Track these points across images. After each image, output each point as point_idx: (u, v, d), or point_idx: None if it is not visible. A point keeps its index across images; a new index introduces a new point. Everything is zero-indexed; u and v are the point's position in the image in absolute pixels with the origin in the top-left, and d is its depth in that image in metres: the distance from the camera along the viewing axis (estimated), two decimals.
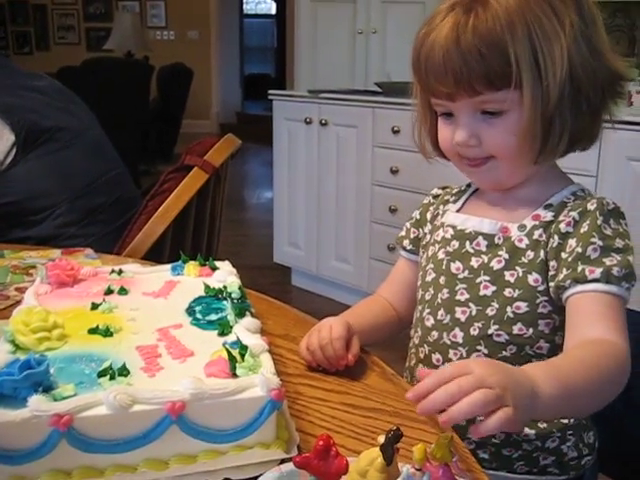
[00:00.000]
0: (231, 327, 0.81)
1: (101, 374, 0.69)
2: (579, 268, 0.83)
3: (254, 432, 0.68)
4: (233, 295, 0.89)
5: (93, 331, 0.80)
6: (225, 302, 0.88)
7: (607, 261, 0.83)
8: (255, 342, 0.76)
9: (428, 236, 1.03)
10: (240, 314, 0.83)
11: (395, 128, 2.87)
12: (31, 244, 1.57)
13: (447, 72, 0.85)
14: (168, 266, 1.03)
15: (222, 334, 0.80)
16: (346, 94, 3.21)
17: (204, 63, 8.87)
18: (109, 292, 0.93)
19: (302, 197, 3.42)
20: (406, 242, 1.08)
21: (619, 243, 0.85)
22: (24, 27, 9.43)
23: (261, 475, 0.65)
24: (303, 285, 3.53)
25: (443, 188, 1.08)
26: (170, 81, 6.62)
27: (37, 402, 0.63)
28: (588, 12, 0.86)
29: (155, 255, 1.53)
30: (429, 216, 1.06)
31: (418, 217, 1.08)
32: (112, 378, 0.69)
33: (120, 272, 1.00)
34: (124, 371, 0.70)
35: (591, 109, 0.87)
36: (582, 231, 0.85)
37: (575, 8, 0.85)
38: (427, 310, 0.98)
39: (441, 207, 1.04)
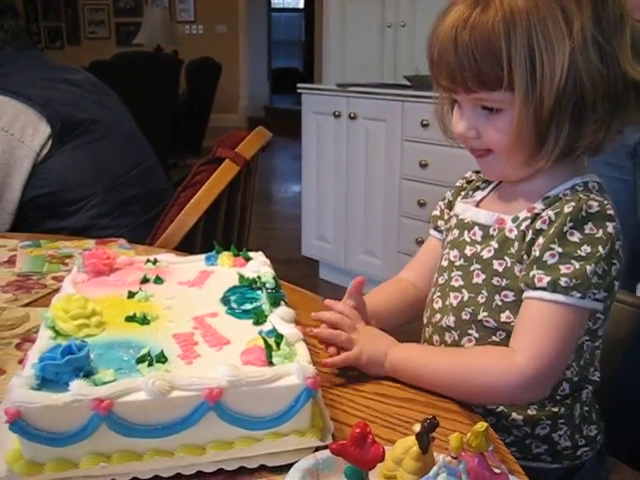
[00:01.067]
0: (266, 316, 0.82)
1: (139, 360, 0.71)
2: (531, 273, 0.84)
3: (290, 420, 0.69)
4: (267, 285, 0.89)
5: (130, 319, 0.81)
6: (259, 292, 0.89)
7: (563, 268, 0.82)
8: (290, 331, 0.77)
9: (452, 219, 1.03)
10: (275, 304, 0.84)
11: (424, 122, 2.86)
12: (65, 235, 1.59)
13: (443, 67, 0.87)
14: (202, 256, 1.04)
15: (257, 323, 0.81)
16: (375, 88, 3.20)
17: (232, 57, 8.90)
18: (145, 281, 0.94)
19: (330, 190, 3.42)
20: (441, 222, 1.07)
21: (585, 250, 0.83)
22: (56, 22, 9.56)
23: (296, 462, 0.66)
24: (331, 278, 3.54)
25: (477, 172, 1.06)
26: (199, 75, 6.65)
27: (78, 386, 0.64)
28: (610, 16, 0.83)
29: (187, 246, 1.55)
30: (458, 200, 1.05)
31: (450, 199, 1.07)
32: (150, 364, 0.70)
33: (155, 262, 1.01)
34: (162, 358, 0.71)
35: (597, 117, 0.84)
36: (549, 233, 0.84)
37: (592, 11, 0.82)
38: (437, 293, 1.00)
39: (471, 192, 1.03)
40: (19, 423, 0.63)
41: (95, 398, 0.63)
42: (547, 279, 0.83)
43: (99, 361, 0.71)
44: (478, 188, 1.03)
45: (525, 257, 0.87)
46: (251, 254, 1.03)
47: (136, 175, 1.83)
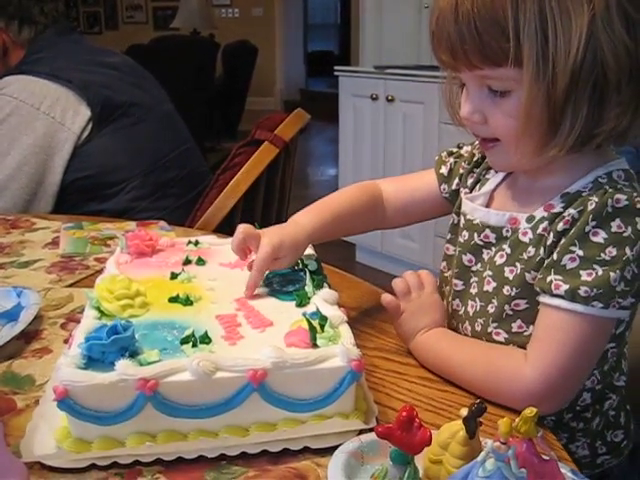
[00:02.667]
0: (309, 298, 0.81)
1: (184, 341, 0.71)
2: (549, 277, 0.76)
3: (334, 402, 0.68)
4: (310, 267, 0.89)
5: (174, 300, 0.82)
6: (302, 274, 0.88)
7: (584, 275, 0.74)
8: (334, 313, 0.76)
9: (461, 219, 0.93)
10: (318, 285, 0.83)
11: None
12: (105, 217, 1.60)
13: (442, 40, 0.77)
14: None
15: (300, 305, 0.80)
16: (413, 70, 3.16)
17: (268, 40, 8.88)
18: (187, 262, 0.94)
19: (367, 173, 3.40)
20: (444, 186, 0.99)
21: (609, 253, 0.73)
22: (94, 7, 9.66)
23: (341, 445, 0.65)
24: (368, 262, 3.53)
25: None
26: (235, 58, 6.66)
27: (124, 366, 0.65)
28: None
29: (226, 228, 1.55)
30: (470, 181, 0.94)
31: (462, 171, 0.97)
32: (194, 345, 0.70)
33: (197, 243, 1.02)
34: (206, 339, 0.71)
35: (621, 99, 0.73)
36: (570, 234, 0.76)
37: None
38: (456, 300, 0.93)
39: (482, 174, 0.94)
40: (67, 401, 0.63)
41: (140, 378, 0.64)
42: (565, 287, 0.74)
43: (144, 341, 0.71)
44: (490, 169, 0.93)
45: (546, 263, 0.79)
46: None
47: (175, 158, 1.83)
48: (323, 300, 0.80)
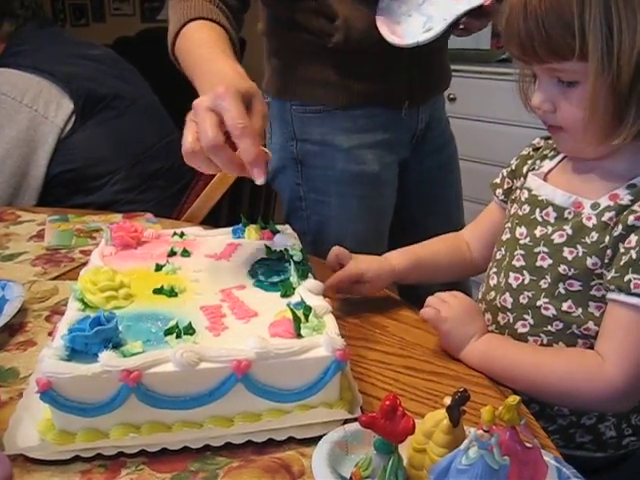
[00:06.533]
0: (294, 289, 0.81)
1: (167, 332, 0.71)
2: (627, 277, 0.78)
3: (318, 392, 0.68)
4: (295, 258, 0.88)
5: (158, 291, 0.81)
6: (287, 264, 0.88)
7: None
8: (318, 303, 0.76)
9: (517, 191, 0.98)
10: (303, 276, 0.83)
11: (451, 95, 2.82)
12: (91, 210, 1.59)
13: (512, 35, 0.82)
14: (229, 229, 1.03)
15: (285, 295, 0.80)
16: None
17: (256, 32, 8.82)
18: (172, 254, 0.94)
19: None
20: (499, 191, 1.05)
21: None
22: (80, 0, 9.56)
23: (325, 434, 0.65)
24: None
25: (546, 138, 1.00)
26: None
27: (107, 357, 0.64)
28: None
29: (213, 221, 1.54)
30: (525, 169, 0.99)
31: (514, 168, 1.02)
32: (178, 336, 0.70)
33: (182, 235, 1.01)
34: (190, 330, 0.71)
35: None
36: None
37: None
38: (493, 269, 0.98)
39: (538, 162, 0.98)
40: (50, 393, 0.63)
41: (124, 369, 0.64)
42: None
43: (127, 333, 0.71)
44: (545, 157, 0.97)
45: (609, 252, 0.81)
46: (278, 227, 1.02)
47: (160, 149, 1.82)
48: (308, 290, 0.79)
